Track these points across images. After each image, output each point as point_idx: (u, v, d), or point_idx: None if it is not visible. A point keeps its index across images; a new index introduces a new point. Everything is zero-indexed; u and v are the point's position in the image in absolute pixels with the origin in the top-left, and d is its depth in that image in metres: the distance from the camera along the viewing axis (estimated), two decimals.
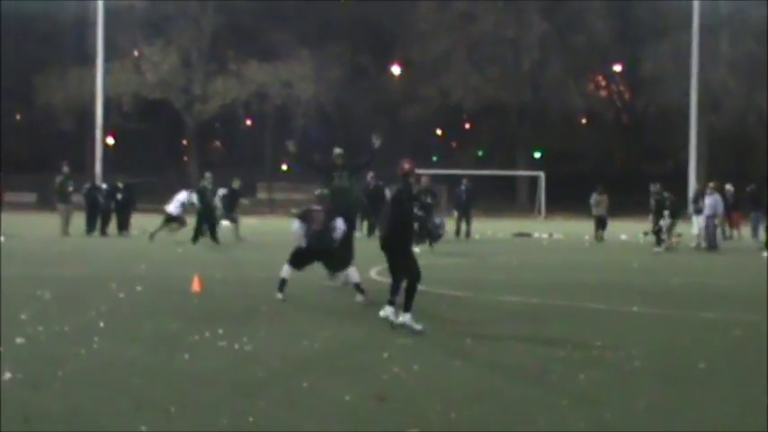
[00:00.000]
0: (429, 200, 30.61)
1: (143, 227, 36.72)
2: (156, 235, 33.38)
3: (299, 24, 77.94)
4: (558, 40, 77.17)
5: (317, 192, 17.95)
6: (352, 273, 16.82)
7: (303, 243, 16.79)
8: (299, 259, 16.89)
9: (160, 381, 9.84)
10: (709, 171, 60.08)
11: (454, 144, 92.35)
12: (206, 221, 32.70)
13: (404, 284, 13.88)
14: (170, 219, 34.36)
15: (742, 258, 29.61)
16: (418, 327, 13.21)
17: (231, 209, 34.90)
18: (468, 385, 9.89)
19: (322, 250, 16.75)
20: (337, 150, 18.81)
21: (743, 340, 13.01)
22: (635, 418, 8.62)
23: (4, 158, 69.80)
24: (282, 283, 16.53)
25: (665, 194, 33.49)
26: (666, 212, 32.68)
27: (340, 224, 17.00)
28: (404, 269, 13.99)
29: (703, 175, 55.42)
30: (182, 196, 34.67)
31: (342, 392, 9.30)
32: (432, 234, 18.32)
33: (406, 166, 14.36)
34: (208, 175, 34.43)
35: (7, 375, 9.78)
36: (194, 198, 33.60)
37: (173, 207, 34.37)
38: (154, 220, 35.64)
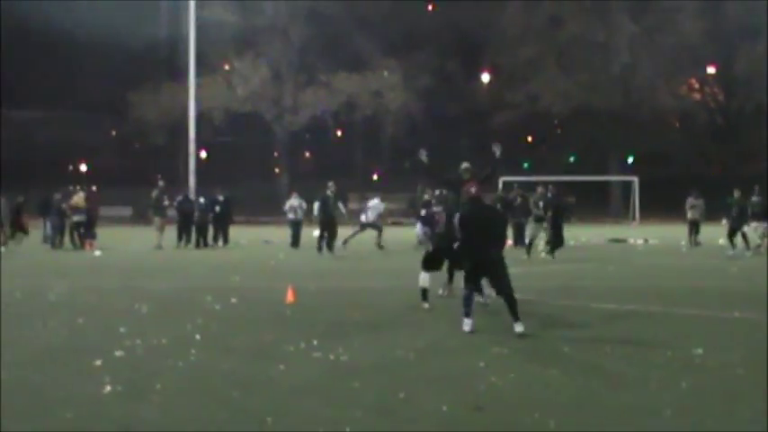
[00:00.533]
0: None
1: (238, 238, 37.04)
2: (349, 241, 33.70)
3: (386, 33, 78.12)
4: (649, 42, 76.29)
5: (437, 192, 18.21)
6: (424, 277, 16.82)
7: (430, 246, 17.08)
8: (431, 263, 16.92)
9: (256, 392, 9.86)
10: None
11: (545, 150, 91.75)
12: (327, 229, 32.58)
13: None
14: (366, 226, 34.59)
15: None
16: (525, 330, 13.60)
17: (374, 218, 35.06)
18: (567, 394, 9.77)
19: (449, 249, 16.56)
20: (465, 165, 18.56)
21: None
22: (738, 427, 8.43)
23: (100, 173, 71.09)
24: (424, 293, 16.60)
25: (754, 198, 33.38)
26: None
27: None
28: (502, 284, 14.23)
29: None
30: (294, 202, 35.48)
31: (438, 402, 9.24)
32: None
33: (473, 190, 14.76)
34: (331, 183, 34.03)
35: (107, 388, 9.88)
36: (316, 208, 33.48)
37: (370, 215, 34.63)
38: (251, 232, 35.88)
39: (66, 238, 36.03)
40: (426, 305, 16.37)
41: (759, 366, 11.21)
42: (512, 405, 9.22)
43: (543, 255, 30.64)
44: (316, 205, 33.70)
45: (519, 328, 13.50)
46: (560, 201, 32.97)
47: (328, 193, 33.50)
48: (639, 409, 9.08)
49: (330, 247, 32.07)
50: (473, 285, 14.41)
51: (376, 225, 34.98)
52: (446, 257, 17.01)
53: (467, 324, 13.92)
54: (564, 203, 33.31)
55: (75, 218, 35.96)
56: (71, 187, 38.54)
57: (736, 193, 33.62)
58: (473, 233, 14.25)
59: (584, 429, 8.35)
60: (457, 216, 15.48)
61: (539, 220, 31.68)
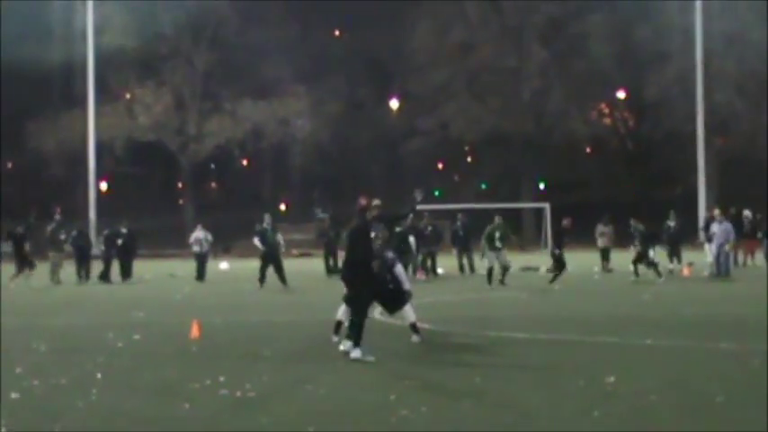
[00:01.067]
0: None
1: (143, 272, 36.76)
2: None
3: (293, 60, 78.11)
4: (559, 68, 77.27)
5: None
6: (408, 312, 16.54)
7: (407, 287, 16.64)
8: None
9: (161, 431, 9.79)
10: (721, 195, 60.07)
11: (456, 177, 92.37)
12: (272, 262, 32.37)
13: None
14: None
15: (757, 286, 29.43)
16: (370, 358, 14.12)
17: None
18: (480, 426, 9.84)
19: (379, 285, 16.14)
20: (376, 202, 18.65)
21: (761, 371, 12.91)
22: None
23: None
24: (338, 326, 16.28)
25: (640, 227, 34.15)
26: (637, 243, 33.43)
27: (391, 255, 16.87)
28: (353, 302, 15.08)
29: (715, 200, 55.37)
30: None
31: None
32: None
33: (363, 202, 15.40)
34: (266, 216, 34.04)
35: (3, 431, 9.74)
36: (257, 242, 33.12)
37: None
38: (156, 266, 35.55)
39: None
40: (336, 338, 16.18)
41: (671, 392, 11.42)
42: None
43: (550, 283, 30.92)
44: (255, 240, 33.32)
45: (344, 346, 14.56)
46: (558, 227, 33.57)
47: (265, 225, 33.46)
48: None
49: (282, 280, 31.79)
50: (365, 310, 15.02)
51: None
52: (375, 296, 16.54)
53: (356, 352, 14.27)
54: (561, 229, 33.70)
55: None
56: None
57: (637, 223, 34.40)
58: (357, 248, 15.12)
59: None
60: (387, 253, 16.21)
61: (495, 248, 31.92)
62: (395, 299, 16.39)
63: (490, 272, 31.25)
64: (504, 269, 31.64)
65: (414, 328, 16.32)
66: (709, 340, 16.19)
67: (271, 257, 32.46)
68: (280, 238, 33.89)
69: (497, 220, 32.64)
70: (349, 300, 15.37)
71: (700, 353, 14.96)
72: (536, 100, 77.81)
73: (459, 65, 77.58)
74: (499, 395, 11.50)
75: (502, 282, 30.94)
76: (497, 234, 31.90)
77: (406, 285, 16.55)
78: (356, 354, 14.14)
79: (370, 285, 14.98)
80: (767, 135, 71.03)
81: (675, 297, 25.86)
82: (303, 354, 15.38)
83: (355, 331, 14.39)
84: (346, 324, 15.59)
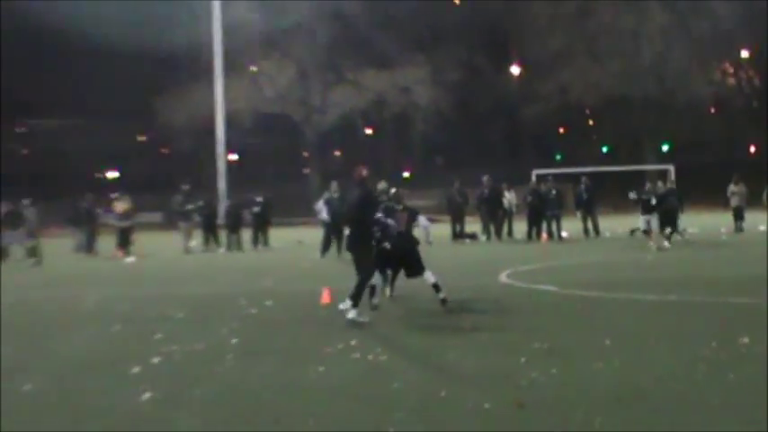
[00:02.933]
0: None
1: (271, 241, 37.12)
2: None
3: (413, 29, 78.02)
4: (680, 28, 75.79)
5: (393, 190, 17.75)
6: (429, 275, 16.52)
7: (387, 245, 16.34)
8: (385, 262, 16.67)
9: (295, 395, 9.84)
10: None
11: (577, 141, 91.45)
12: (334, 233, 31.64)
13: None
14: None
15: None
16: (364, 319, 14.57)
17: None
18: (611, 388, 9.68)
19: (407, 251, 16.61)
20: (382, 185, 18.99)
21: None
22: None
23: (128, 179, 71.30)
24: (372, 290, 16.18)
25: None
26: None
27: (425, 222, 17.31)
28: (360, 268, 15.21)
29: None
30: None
31: (480, 400, 9.18)
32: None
33: (364, 172, 15.53)
34: (334, 183, 33.30)
35: (146, 395, 9.89)
36: (321, 208, 32.54)
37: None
38: (284, 234, 35.76)
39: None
40: (376, 300, 16.29)
41: None
42: (554, 401, 9.13)
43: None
44: (319, 205, 32.74)
45: (350, 313, 14.63)
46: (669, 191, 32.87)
47: (333, 193, 32.66)
48: (685, 401, 8.99)
49: (339, 249, 30.77)
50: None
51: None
52: (402, 261, 16.90)
53: (352, 312, 14.66)
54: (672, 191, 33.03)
55: (121, 224, 36.16)
56: (116, 194, 38.56)
57: None
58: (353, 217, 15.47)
59: (629, 424, 8.26)
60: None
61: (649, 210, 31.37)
62: (413, 265, 16.63)
63: None
64: None
65: (436, 287, 16.37)
66: None
67: (334, 227, 31.32)
68: None
69: None
70: (356, 266, 15.49)
71: None
72: (657, 62, 76.47)
73: (578, 28, 76.58)
74: (629, 357, 11.30)
75: None
76: None
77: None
78: (352, 314, 14.61)
79: (369, 254, 15.42)
80: None
81: None
82: (432, 318, 15.34)
83: (357, 294, 14.77)
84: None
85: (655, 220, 31.23)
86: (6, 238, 34.51)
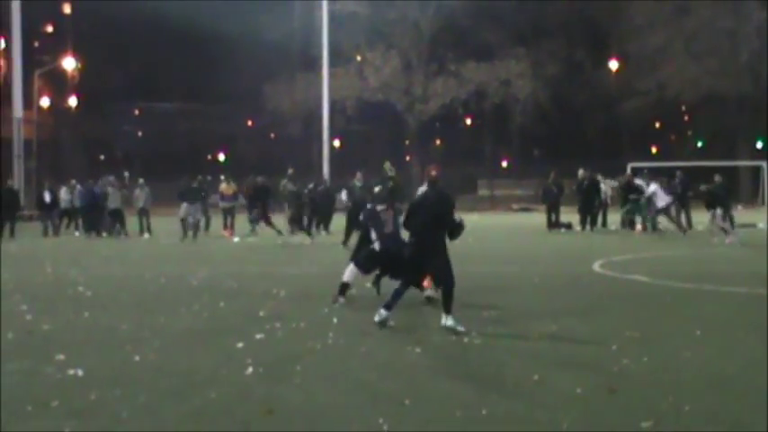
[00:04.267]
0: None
1: None
2: None
3: (514, 23, 77.69)
4: None
5: (377, 188, 16.63)
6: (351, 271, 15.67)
7: (377, 246, 15.41)
8: (371, 264, 15.72)
9: (394, 374, 9.89)
10: None
11: (672, 136, 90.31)
12: (354, 222, 30.46)
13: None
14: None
15: None
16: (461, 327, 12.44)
17: None
18: (700, 376, 9.60)
19: (397, 254, 14.69)
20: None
21: None
22: None
23: (237, 162, 72.08)
24: (344, 287, 15.50)
25: None
26: None
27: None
28: (438, 273, 13.43)
29: None
30: None
31: (572, 385, 9.15)
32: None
33: (434, 172, 13.49)
34: (359, 173, 32.20)
35: (249, 370, 10.01)
36: (343, 197, 31.60)
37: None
38: None
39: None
40: (342, 300, 15.30)
41: None
42: (645, 388, 9.07)
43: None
44: (343, 194, 31.73)
45: (449, 321, 12.54)
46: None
47: (356, 181, 31.50)
48: None
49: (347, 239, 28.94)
50: (414, 280, 13.61)
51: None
52: (392, 264, 15.15)
53: (380, 314, 12.89)
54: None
55: (224, 204, 36.70)
56: (221, 176, 39.14)
57: None
58: (425, 220, 13.04)
59: (718, 411, 8.17)
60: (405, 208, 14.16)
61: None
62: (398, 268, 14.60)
63: None
64: None
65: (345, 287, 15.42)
66: None
67: (353, 216, 29.11)
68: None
69: None
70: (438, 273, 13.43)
71: None
72: (753, 60, 75.27)
73: (677, 26, 75.62)
74: (719, 346, 11.18)
75: None
76: None
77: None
78: (451, 322, 12.59)
79: (447, 260, 13.24)
80: None
81: None
82: (526, 304, 15.29)
83: (447, 302, 12.78)
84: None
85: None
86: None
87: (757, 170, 68.15)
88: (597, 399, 8.70)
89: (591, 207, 37.76)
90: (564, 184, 39.73)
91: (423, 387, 9.22)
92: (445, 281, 12.98)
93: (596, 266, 21.63)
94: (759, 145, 79.88)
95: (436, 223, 13.07)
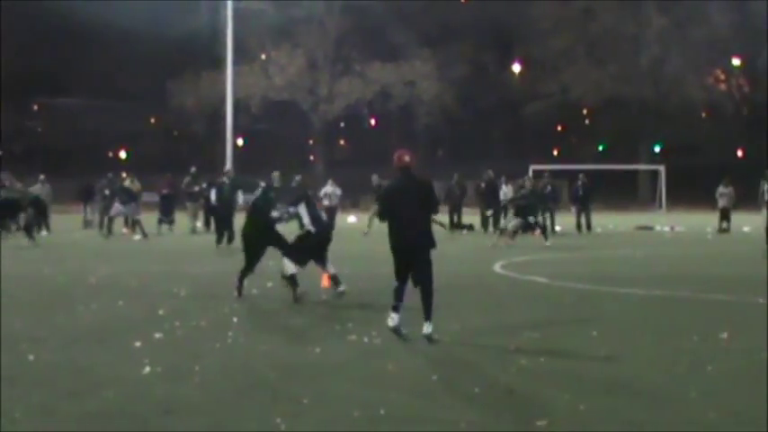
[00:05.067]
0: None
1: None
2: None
3: (420, 24, 78.07)
4: (678, 35, 75.93)
5: (298, 177, 17.56)
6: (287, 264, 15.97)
7: (310, 227, 16.13)
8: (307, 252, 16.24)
9: (293, 373, 9.89)
10: None
11: (574, 139, 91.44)
12: (219, 218, 29.84)
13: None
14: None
15: None
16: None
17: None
18: (597, 376, 9.76)
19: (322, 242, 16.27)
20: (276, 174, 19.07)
21: None
22: (765, 409, 8.38)
23: (139, 160, 71.33)
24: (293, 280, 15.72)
25: None
26: None
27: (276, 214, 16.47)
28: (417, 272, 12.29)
29: None
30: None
31: (471, 385, 9.26)
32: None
33: (406, 157, 12.34)
34: (228, 169, 31.55)
35: (147, 369, 9.94)
36: (212, 196, 30.47)
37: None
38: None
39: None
40: (299, 291, 15.50)
41: None
42: (542, 388, 9.20)
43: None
44: (212, 192, 30.53)
45: (427, 329, 11.77)
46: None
47: (224, 179, 30.80)
48: (667, 391, 9.05)
49: (218, 240, 28.77)
50: (403, 276, 12.38)
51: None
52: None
53: (392, 319, 12.14)
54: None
55: (125, 203, 36.22)
56: (122, 174, 38.65)
57: None
58: (400, 211, 12.12)
59: (612, 411, 8.32)
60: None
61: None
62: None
63: None
64: None
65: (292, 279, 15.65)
66: None
67: (218, 214, 29.79)
68: (240, 195, 28.93)
69: None
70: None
71: None
72: (654, 66, 76.70)
73: (580, 31, 76.71)
74: (616, 348, 11.37)
75: None
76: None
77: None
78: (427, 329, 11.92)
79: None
80: None
81: None
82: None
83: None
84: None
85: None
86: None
87: (656, 174, 69.36)
88: (495, 398, 8.81)
89: (492, 209, 38.02)
90: (467, 185, 40.06)
91: (322, 387, 9.25)
92: (423, 280, 12.10)
93: (497, 267, 21.85)
94: (657, 149, 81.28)
95: (416, 214, 12.11)
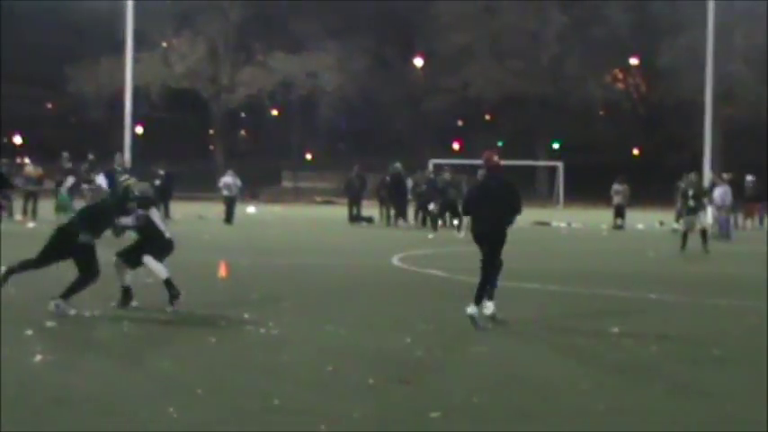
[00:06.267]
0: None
1: (173, 213, 36.65)
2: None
3: (324, 16, 77.96)
4: (577, 34, 76.92)
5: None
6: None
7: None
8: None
9: (189, 363, 9.85)
10: (726, 162, 59.83)
11: (474, 134, 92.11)
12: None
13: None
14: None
15: (755, 247, 29.31)
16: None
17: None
18: (491, 369, 9.88)
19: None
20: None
21: (757, 327, 12.92)
22: (653, 401, 8.58)
23: (35, 146, 70.12)
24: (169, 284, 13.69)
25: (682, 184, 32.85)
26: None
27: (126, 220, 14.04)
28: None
29: (719, 166, 55.10)
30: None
31: (365, 376, 9.30)
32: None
33: (495, 158, 14.28)
34: (118, 156, 30.81)
35: (38, 357, 9.81)
36: (101, 181, 28.48)
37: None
38: (186, 207, 35.51)
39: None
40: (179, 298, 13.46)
41: (672, 345, 11.45)
42: (436, 380, 9.28)
43: None
44: (100, 179, 28.84)
45: (489, 309, 12.97)
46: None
47: (116, 166, 29.52)
48: (559, 384, 9.19)
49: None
50: (497, 265, 13.47)
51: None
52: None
53: (488, 307, 12.97)
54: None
55: (29, 188, 35.70)
56: (25, 159, 38.01)
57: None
58: (486, 213, 13.38)
59: (506, 404, 8.43)
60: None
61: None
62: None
63: (685, 236, 26.17)
64: (704, 232, 26.44)
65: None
66: (708, 296, 16.21)
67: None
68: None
69: (693, 177, 28.50)
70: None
71: (700, 308, 14.96)
72: (554, 63, 77.64)
73: (482, 27, 77.27)
74: (510, 342, 11.53)
75: (705, 249, 25.80)
76: (691, 192, 26.99)
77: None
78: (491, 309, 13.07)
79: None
80: None
81: (678, 255, 25.77)
82: (324, 296, 15.41)
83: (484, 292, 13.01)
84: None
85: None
86: None
87: (554, 170, 70.34)
88: (389, 390, 8.86)
89: (393, 202, 38.16)
90: (367, 178, 40.14)
91: (217, 377, 9.22)
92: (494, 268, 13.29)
93: (395, 260, 21.95)
94: (556, 146, 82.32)
95: (498, 216, 13.39)
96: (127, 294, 13.57)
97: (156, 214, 14.11)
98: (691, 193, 26.70)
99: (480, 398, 8.55)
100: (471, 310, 12.58)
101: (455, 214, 33.47)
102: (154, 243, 13.80)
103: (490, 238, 13.36)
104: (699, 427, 7.83)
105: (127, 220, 13.87)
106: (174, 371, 9.49)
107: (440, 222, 35.79)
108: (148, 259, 13.61)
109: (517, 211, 13.73)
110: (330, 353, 10.51)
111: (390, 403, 8.37)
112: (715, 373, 9.95)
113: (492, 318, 12.84)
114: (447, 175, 36.55)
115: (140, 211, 13.70)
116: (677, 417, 8.13)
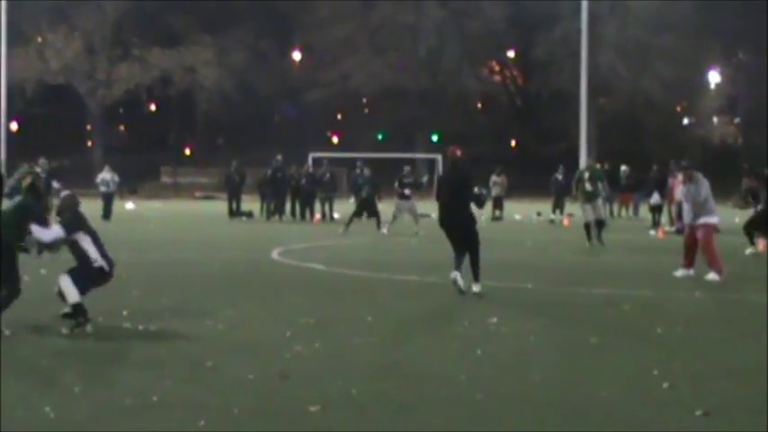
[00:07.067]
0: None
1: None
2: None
3: (201, 10, 77.43)
4: (455, 27, 77.61)
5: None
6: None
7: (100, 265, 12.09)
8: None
9: (66, 361, 9.72)
10: (600, 152, 61.03)
11: (354, 127, 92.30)
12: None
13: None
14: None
15: (629, 237, 29.97)
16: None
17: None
18: (369, 361, 9.92)
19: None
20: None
21: (631, 314, 13.23)
22: (530, 389, 8.70)
23: None
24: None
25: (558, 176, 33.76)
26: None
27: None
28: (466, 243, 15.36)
29: (594, 157, 56.17)
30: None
31: (245, 370, 9.27)
32: None
33: (458, 152, 15.74)
34: (42, 161, 30.23)
35: None
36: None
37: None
38: None
39: None
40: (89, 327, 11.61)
41: (549, 333, 11.63)
42: (315, 373, 9.28)
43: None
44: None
45: (476, 288, 14.76)
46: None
47: (38, 170, 29.59)
48: (436, 377, 9.26)
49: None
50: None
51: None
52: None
53: (454, 275, 14.80)
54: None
55: None
56: None
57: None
58: (445, 196, 15.53)
59: (384, 396, 8.48)
60: None
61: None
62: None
63: (588, 227, 25.09)
64: (600, 223, 25.32)
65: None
66: (584, 285, 16.52)
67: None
68: (55, 184, 27.90)
69: (590, 162, 27.94)
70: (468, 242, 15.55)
71: (576, 297, 15.21)
72: (432, 56, 78.20)
73: (361, 20, 77.48)
74: (388, 333, 11.59)
75: (600, 240, 25.00)
76: (586, 176, 25.64)
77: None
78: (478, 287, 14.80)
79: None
80: (644, 96, 72.68)
81: (555, 245, 26.22)
82: (204, 290, 15.31)
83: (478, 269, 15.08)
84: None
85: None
86: None
87: (433, 163, 70.83)
88: (269, 384, 8.84)
89: (276, 196, 38.03)
90: (246, 172, 39.97)
91: (94, 374, 9.12)
92: (471, 249, 15.13)
93: (275, 254, 21.91)
94: (435, 138, 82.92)
95: (456, 198, 15.29)
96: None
97: (85, 240, 12.06)
98: (587, 176, 25.50)
99: (358, 390, 8.58)
100: (455, 275, 14.73)
101: (372, 213, 32.89)
102: (82, 268, 12.02)
103: (456, 223, 15.42)
104: (575, 414, 7.97)
105: (41, 235, 11.71)
106: (51, 369, 9.35)
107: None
108: (64, 278, 11.85)
109: (471, 198, 15.60)
110: (209, 348, 10.45)
111: (270, 397, 8.36)
112: (592, 361, 10.13)
113: (478, 295, 14.55)
114: (366, 171, 36.11)
115: (62, 231, 11.87)
116: (554, 404, 8.26)
